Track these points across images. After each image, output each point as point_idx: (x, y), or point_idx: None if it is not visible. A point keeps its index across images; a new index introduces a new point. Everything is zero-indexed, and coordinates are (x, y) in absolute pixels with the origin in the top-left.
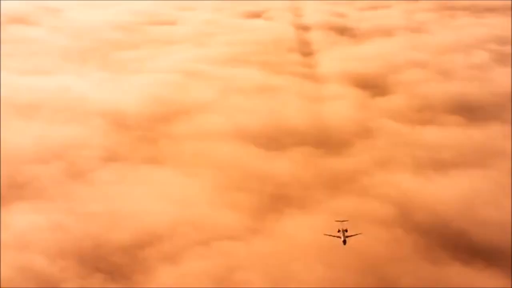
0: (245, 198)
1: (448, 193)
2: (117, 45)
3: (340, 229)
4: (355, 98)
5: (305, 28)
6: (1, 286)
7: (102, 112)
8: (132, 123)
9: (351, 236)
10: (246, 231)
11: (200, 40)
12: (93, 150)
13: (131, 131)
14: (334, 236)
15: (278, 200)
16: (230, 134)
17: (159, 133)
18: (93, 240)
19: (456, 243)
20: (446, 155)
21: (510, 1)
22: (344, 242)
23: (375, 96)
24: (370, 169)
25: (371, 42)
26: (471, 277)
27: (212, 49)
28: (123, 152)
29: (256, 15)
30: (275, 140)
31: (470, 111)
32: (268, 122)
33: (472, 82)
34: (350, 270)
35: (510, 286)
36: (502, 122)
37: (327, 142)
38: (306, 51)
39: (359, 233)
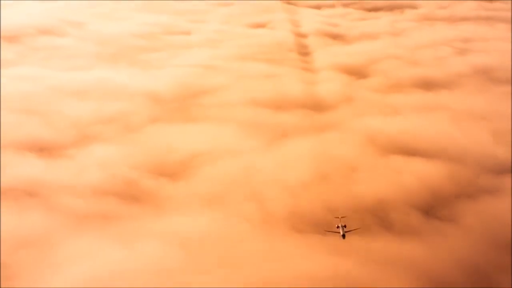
0: (260, 134)
1: (403, 126)
2: (141, 49)
3: (339, 225)
4: (342, 80)
5: (303, 35)
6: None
7: (141, 93)
8: (167, 100)
9: (350, 231)
10: (261, 148)
11: (212, 44)
12: (140, 116)
13: (167, 104)
14: (333, 231)
15: (283, 135)
16: (246, 102)
17: (190, 104)
18: (154, 159)
19: (405, 150)
20: (404, 108)
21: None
22: (343, 236)
23: (358, 79)
24: (348, 118)
25: (358, 43)
26: (411, 166)
27: (224, 50)
28: (164, 117)
29: (260, 25)
30: (280, 106)
31: (428, 85)
32: (275, 96)
33: (434, 68)
34: (332, 166)
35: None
36: (449, 90)
37: (318, 106)
38: (303, 51)
39: (358, 228)
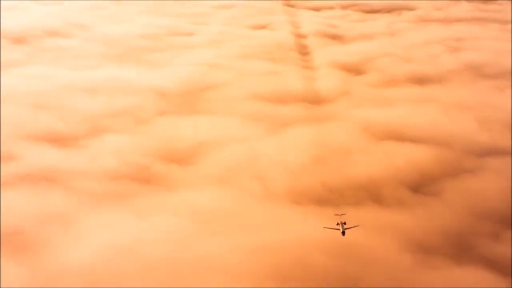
0: (262, 124)
1: (395, 115)
2: (146, 49)
3: (339, 222)
4: (339, 77)
5: (303, 36)
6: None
7: (149, 89)
8: (173, 95)
9: (349, 228)
10: (264, 136)
11: (215, 45)
12: (148, 109)
13: (174, 99)
14: (333, 228)
15: (284, 124)
16: (248, 97)
17: (195, 99)
18: (164, 147)
19: (397, 136)
20: (397, 100)
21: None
22: (343, 233)
23: (355, 76)
24: (345, 109)
25: (356, 43)
26: (402, 150)
27: (226, 50)
28: (171, 110)
29: (262, 27)
30: (281, 100)
31: (420, 80)
32: (276, 91)
33: (426, 64)
34: (329, 150)
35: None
36: (440, 84)
37: (317, 100)
38: (303, 51)
39: (357, 225)
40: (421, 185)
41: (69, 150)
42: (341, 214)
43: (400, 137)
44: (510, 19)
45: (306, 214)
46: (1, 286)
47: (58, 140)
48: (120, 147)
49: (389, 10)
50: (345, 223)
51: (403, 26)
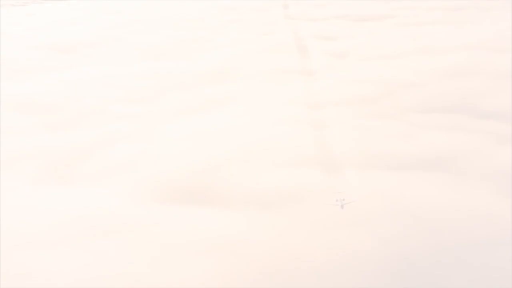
0: (273, 82)
1: (358, 72)
2: (177, 50)
3: (338, 199)
4: (327, 59)
5: (301, 38)
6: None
7: (189, 72)
8: (209, 73)
9: (348, 203)
10: (275, 86)
11: (232, 46)
12: (194, 83)
13: (210, 76)
14: (333, 204)
15: (287, 81)
16: (262, 72)
17: (225, 75)
18: (213, 94)
19: (356, 80)
20: (363, 65)
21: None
22: (342, 207)
23: (338, 59)
24: (326, 74)
25: (343, 41)
26: (359, 87)
27: (242, 48)
28: (210, 82)
29: (267, 33)
30: (284, 72)
31: (384, 57)
32: (280, 67)
33: (391, 48)
34: (312, 87)
35: None
36: (397, 58)
37: (309, 72)
38: (301, 48)
39: (354, 201)
40: (370, 100)
41: (143, 104)
42: (340, 193)
43: (359, 81)
44: (467, 21)
45: (297, 111)
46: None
47: (131, 101)
48: (182, 100)
49: (375, 19)
50: (344, 199)
51: (383, 29)
